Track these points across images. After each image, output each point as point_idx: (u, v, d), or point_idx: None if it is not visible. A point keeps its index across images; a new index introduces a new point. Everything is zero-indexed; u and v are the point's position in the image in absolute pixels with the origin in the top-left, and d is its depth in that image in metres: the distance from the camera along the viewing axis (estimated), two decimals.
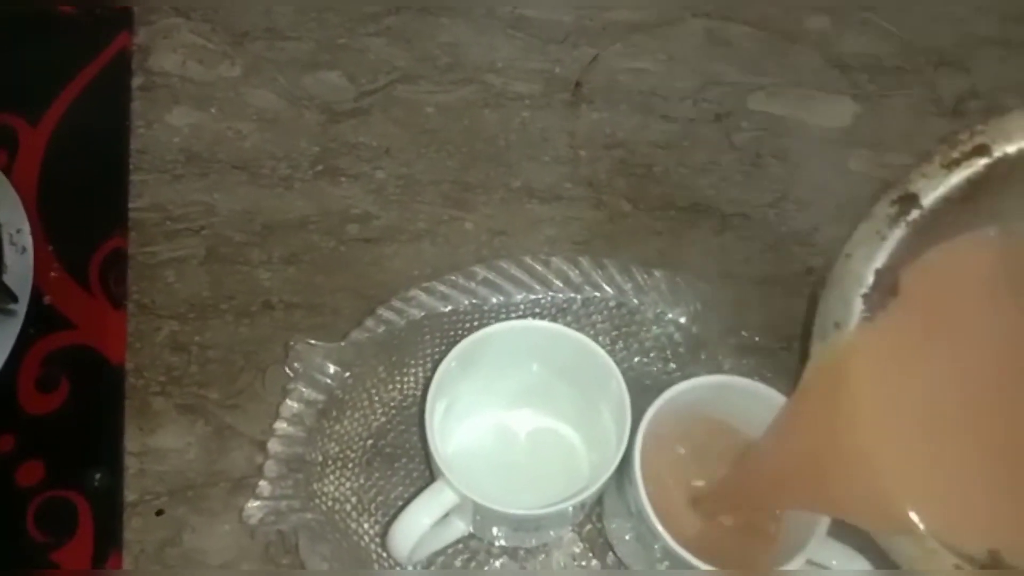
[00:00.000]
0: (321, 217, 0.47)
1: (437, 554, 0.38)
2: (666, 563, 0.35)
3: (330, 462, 0.40)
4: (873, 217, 0.34)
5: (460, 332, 0.43)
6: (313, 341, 0.42)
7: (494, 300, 0.43)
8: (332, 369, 0.41)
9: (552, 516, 0.33)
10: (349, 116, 0.50)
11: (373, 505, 0.39)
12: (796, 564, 0.32)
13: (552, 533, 0.38)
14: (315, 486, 0.39)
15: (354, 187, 0.48)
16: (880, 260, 0.33)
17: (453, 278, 0.44)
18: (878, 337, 0.33)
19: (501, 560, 0.39)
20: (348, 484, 0.40)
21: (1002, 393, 0.32)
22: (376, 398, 0.42)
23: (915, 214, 0.33)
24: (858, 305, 0.33)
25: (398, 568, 0.37)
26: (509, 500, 0.33)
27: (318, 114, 0.50)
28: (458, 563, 0.39)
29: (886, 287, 0.33)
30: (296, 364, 0.41)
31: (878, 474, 0.31)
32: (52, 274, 0.44)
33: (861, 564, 0.33)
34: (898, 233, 0.33)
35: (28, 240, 0.44)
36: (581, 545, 0.39)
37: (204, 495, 0.40)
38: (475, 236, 0.47)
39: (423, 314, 0.43)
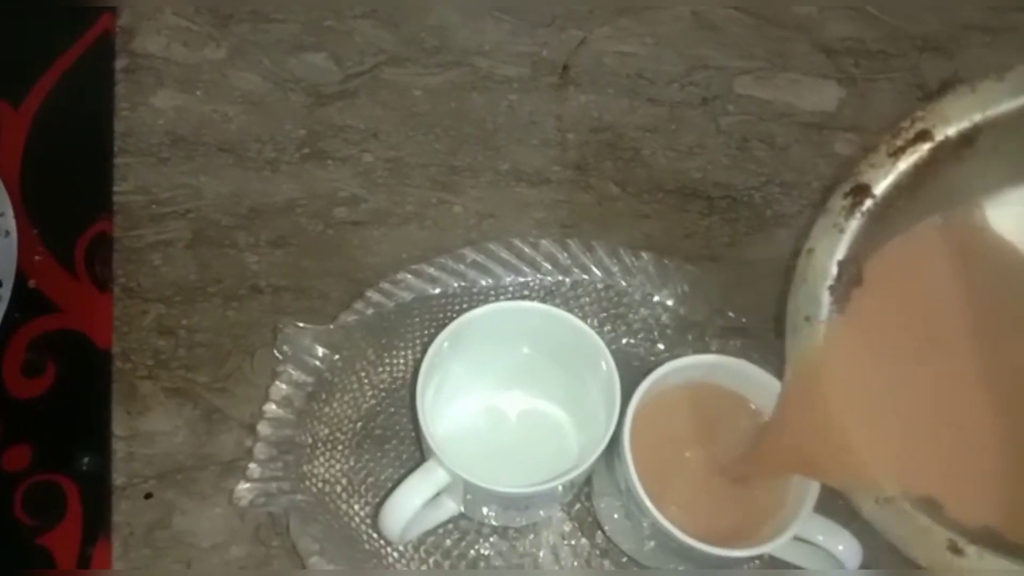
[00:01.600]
0: (308, 200, 0.47)
1: (428, 534, 0.38)
2: (653, 542, 0.36)
3: (320, 444, 0.40)
4: (829, 211, 0.34)
5: (449, 315, 0.43)
6: (302, 324, 0.42)
7: (483, 282, 0.44)
8: (321, 352, 0.41)
9: (542, 495, 0.33)
10: (336, 99, 0.50)
11: (363, 487, 0.40)
12: (784, 540, 0.33)
13: (542, 512, 0.39)
14: (305, 468, 0.39)
15: (342, 170, 0.48)
16: (841, 252, 0.34)
17: (442, 261, 0.44)
18: (849, 327, 0.34)
19: (491, 539, 0.39)
20: (338, 466, 0.40)
21: (970, 368, 0.33)
22: (366, 381, 0.42)
23: (869, 204, 0.34)
24: (826, 298, 0.34)
25: (402, 566, 0.38)
26: (499, 479, 0.33)
27: (304, 97, 0.50)
28: (448, 543, 0.39)
29: (850, 278, 0.34)
30: (285, 347, 0.41)
31: (865, 463, 0.31)
32: (37, 258, 0.44)
33: (846, 538, 0.34)
34: (855, 224, 0.34)
35: (12, 224, 0.44)
36: (570, 524, 0.40)
37: (193, 478, 0.40)
38: (464, 219, 0.47)
39: (412, 297, 0.43)
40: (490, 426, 0.39)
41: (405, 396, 0.42)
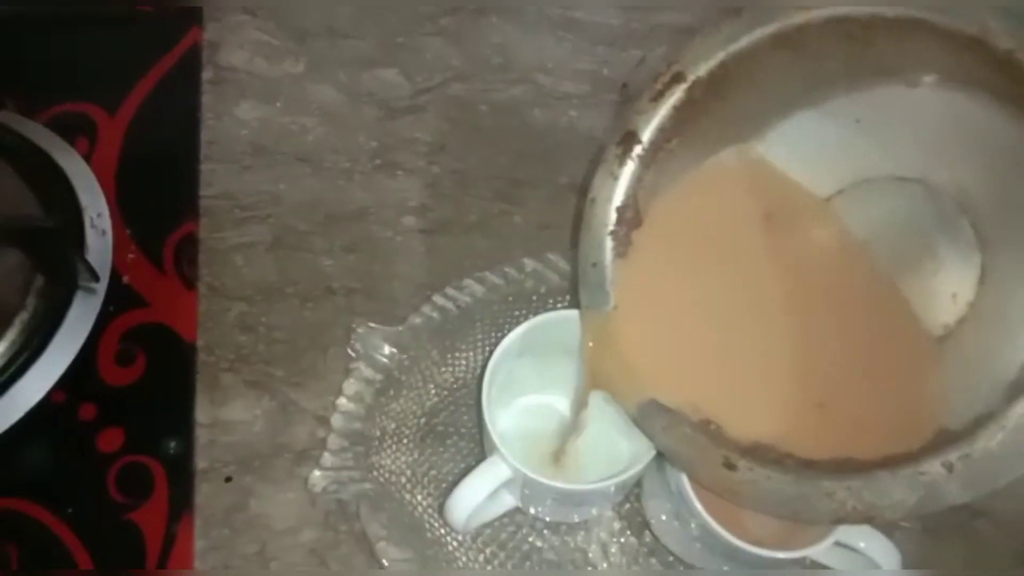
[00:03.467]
0: (379, 208, 0.50)
1: (485, 526, 0.41)
2: (700, 543, 0.38)
3: (387, 438, 0.43)
4: (605, 160, 0.37)
5: (509, 320, 0.45)
6: (373, 324, 0.44)
7: (542, 290, 0.46)
8: (390, 351, 0.44)
9: (595, 493, 0.35)
10: (406, 112, 0.53)
11: (426, 479, 0.42)
12: (826, 545, 0.34)
13: (594, 511, 0.41)
14: (373, 459, 0.42)
15: (410, 180, 0.51)
16: (618, 199, 0.36)
17: (503, 268, 0.46)
18: (632, 267, 0.36)
19: (544, 533, 0.41)
20: (403, 458, 0.42)
21: (744, 298, 0.36)
22: (430, 380, 0.44)
23: (638, 149, 0.36)
24: (608, 243, 0.37)
25: (462, 554, 0.40)
26: (555, 478, 0.35)
27: (376, 110, 0.53)
28: (504, 535, 0.41)
29: (630, 222, 0.36)
30: (357, 345, 0.44)
31: (652, 389, 0.35)
32: (130, 256, 0.47)
33: (886, 545, 0.35)
34: (628, 170, 0.36)
35: (107, 224, 0.48)
36: (620, 523, 0.42)
37: (269, 465, 0.43)
38: (523, 229, 0.49)
39: (475, 302, 0.46)
40: (548, 427, 0.41)
41: (466, 395, 0.44)
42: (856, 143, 0.34)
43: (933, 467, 0.28)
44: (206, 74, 0.53)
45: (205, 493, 0.42)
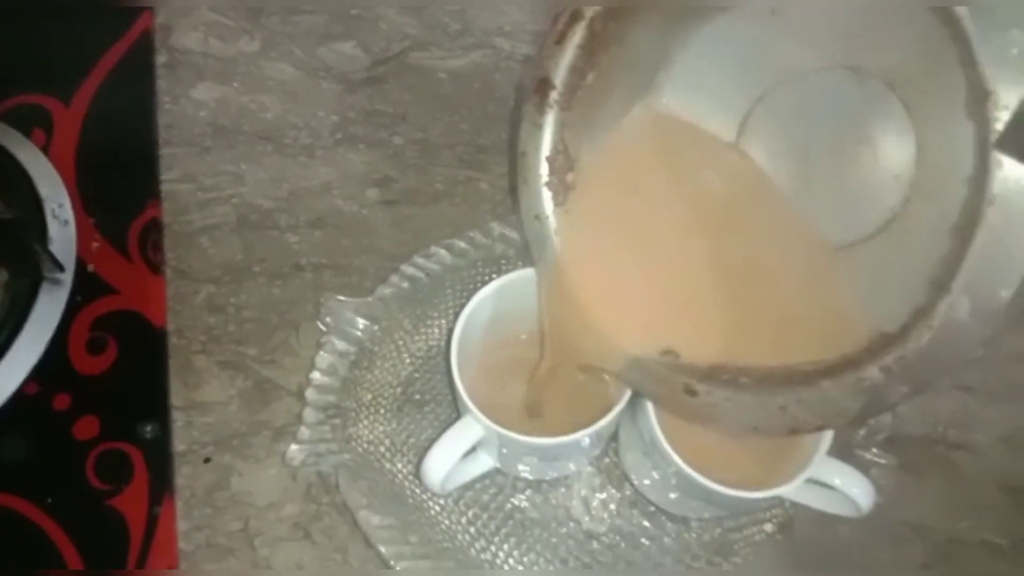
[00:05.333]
0: (343, 183, 0.49)
1: (466, 488, 0.41)
2: (677, 493, 0.38)
3: (363, 409, 0.43)
4: (527, 113, 0.37)
5: (479, 284, 0.45)
6: (342, 297, 0.44)
7: (511, 253, 0.46)
8: (362, 323, 0.44)
9: (568, 445, 0.36)
10: (365, 85, 0.52)
11: (405, 447, 0.42)
12: (798, 482, 0.35)
13: (572, 466, 0.41)
14: (351, 431, 0.42)
15: (373, 153, 0.50)
16: (547, 148, 0.37)
17: (471, 235, 0.46)
18: (571, 216, 0.37)
19: (526, 492, 0.42)
20: (381, 428, 0.43)
21: (681, 235, 0.37)
22: (404, 349, 0.44)
23: (554, 95, 0.36)
24: (546, 194, 0.37)
25: (444, 518, 0.41)
26: (530, 435, 0.35)
27: (335, 84, 0.52)
28: (486, 497, 0.41)
29: (562, 168, 0.37)
30: (328, 319, 0.44)
31: (611, 335, 0.36)
32: (94, 244, 0.47)
33: (860, 481, 0.36)
34: (550, 118, 0.36)
35: (70, 214, 0.47)
36: (600, 477, 0.42)
37: (248, 443, 0.43)
38: (490, 195, 0.49)
39: (444, 269, 0.46)
40: (523, 382, 0.41)
41: (440, 363, 0.44)
42: (773, 43, 0.34)
43: (871, 372, 0.29)
44: (160, 58, 0.53)
45: (185, 475, 0.42)
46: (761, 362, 0.33)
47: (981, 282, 0.26)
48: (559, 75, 0.36)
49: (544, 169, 0.37)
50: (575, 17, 0.35)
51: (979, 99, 0.26)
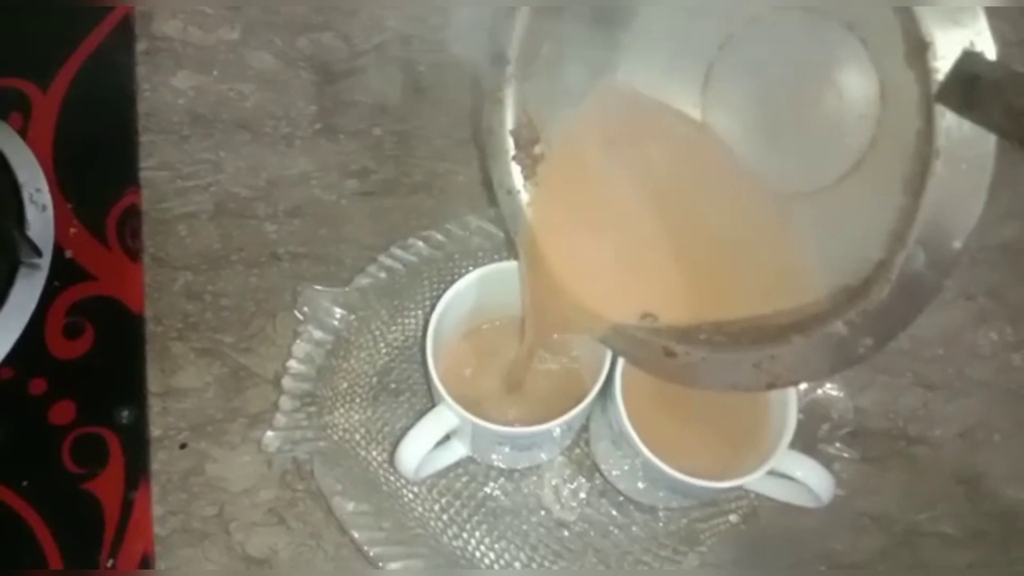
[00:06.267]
0: (322, 172, 0.50)
1: (440, 476, 0.42)
2: (644, 483, 0.39)
3: (339, 397, 0.43)
4: (489, 91, 0.38)
5: (456, 277, 0.45)
6: (320, 287, 0.45)
7: (487, 246, 0.47)
8: (338, 313, 0.45)
9: (539, 434, 0.36)
10: (344, 76, 0.53)
11: (380, 435, 0.43)
12: (760, 474, 0.36)
13: (544, 455, 0.42)
14: (327, 418, 0.43)
15: (352, 143, 0.51)
16: (510, 122, 0.38)
17: (448, 227, 0.47)
18: (542, 188, 0.38)
19: (499, 481, 0.42)
20: (356, 416, 0.43)
21: (646, 206, 0.38)
22: (380, 339, 0.45)
23: (509, 69, 0.37)
24: (515, 169, 0.38)
25: (417, 505, 0.41)
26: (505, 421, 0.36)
27: (314, 74, 0.53)
28: (459, 485, 0.42)
29: (528, 140, 0.38)
30: (305, 308, 0.44)
31: (591, 306, 0.37)
32: (72, 230, 0.47)
33: (821, 473, 0.37)
34: (509, 92, 0.37)
35: (47, 199, 0.47)
36: (571, 467, 0.43)
37: (224, 430, 0.43)
38: (468, 187, 0.50)
39: (421, 261, 0.46)
40: (494, 377, 0.42)
41: (416, 353, 0.45)
42: None
43: (837, 327, 0.30)
44: (140, 45, 0.53)
45: (161, 460, 0.43)
46: (729, 316, 0.34)
47: (934, 234, 0.27)
48: (512, 49, 0.36)
49: (511, 143, 0.38)
50: None
51: (919, 50, 0.26)
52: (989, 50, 0.25)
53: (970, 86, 0.25)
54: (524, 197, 0.38)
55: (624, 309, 0.36)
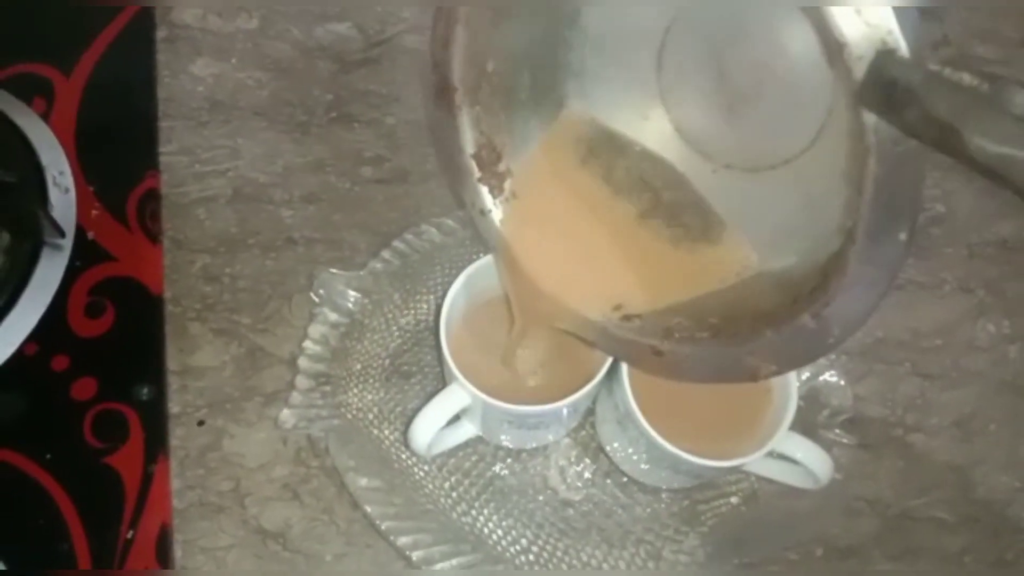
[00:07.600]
0: (337, 160, 0.51)
1: (450, 455, 0.43)
2: (648, 464, 0.40)
3: (353, 378, 0.45)
4: (440, 119, 0.38)
5: (467, 263, 0.47)
6: (335, 271, 0.46)
7: None
8: (353, 296, 0.46)
9: (546, 414, 0.38)
10: (359, 65, 0.54)
11: (392, 415, 0.44)
12: (761, 454, 0.37)
13: (551, 436, 0.43)
14: (340, 398, 0.44)
15: (367, 132, 0.52)
16: (469, 146, 0.38)
17: (460, 214, 0.48)
18: (515, 209, 0.39)
19: (507, 461, 0.44)
20: (370, 396, 0.44)
21: (612, 214, 0.39)
22: (393, 322, 0.46)
23: (458, 96, 0.36)
24: (483, 190, 0.39)
25: (428, 482, 0.42)
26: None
27: (330, 63, 0.54)
28: (468, 464, 0.44)
29: (490, 160, 0.38)
30: (320, 291, 0.46)
31: (572, 306, 0.38)
32: (93, 212, 0.48)
33: (820, 455, 0.38)
34: (463, 117, 0.37)
35: (70, 181, 0.49)
36: (577, 448, 0.44)
37: (240, 407, 0.45)
38: None
39: (433, 247, 0.47)
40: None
41: (428, 336, 0.46)
42: None
43: (805, 320, 0.31)
44: (160, 32, 0.54)
45: (179, 436, 0.44)
46: (681, 297, 0.37)
47: (879, 228, 0.27)
48: (456, 76, 0.36)
49: (474, 167, 0.38)
50: (451, 19, 0.35)
51: (836, 51, 0.25)
52: (902, 49, 0.24)
53: (889, 88, 0.24)
54: (497, 214, 0.39)
55: (597, 304, 0.38)
